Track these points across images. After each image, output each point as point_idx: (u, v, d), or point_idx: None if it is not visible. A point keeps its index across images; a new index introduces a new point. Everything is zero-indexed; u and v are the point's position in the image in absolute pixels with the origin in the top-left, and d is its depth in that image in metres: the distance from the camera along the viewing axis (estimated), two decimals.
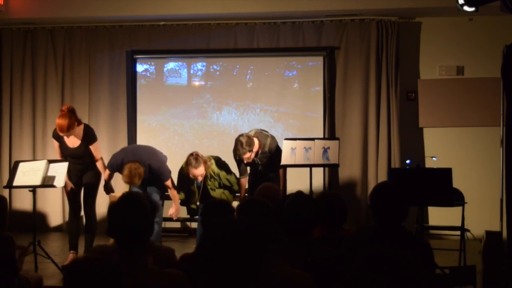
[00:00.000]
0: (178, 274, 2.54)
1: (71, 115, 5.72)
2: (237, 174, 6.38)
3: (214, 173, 6.15)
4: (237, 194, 6.43)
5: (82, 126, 5.93)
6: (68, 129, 5.71)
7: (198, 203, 6.27)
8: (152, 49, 7.90)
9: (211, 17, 7.59)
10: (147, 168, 5.96)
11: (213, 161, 6.19)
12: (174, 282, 2.49)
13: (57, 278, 5.50)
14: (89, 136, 5.94)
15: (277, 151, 6.19)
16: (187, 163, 6.07)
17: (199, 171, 6.04)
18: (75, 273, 2.05)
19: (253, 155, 6.11)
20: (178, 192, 6.31)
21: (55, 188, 6.00)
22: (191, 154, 6.07)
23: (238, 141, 6.09)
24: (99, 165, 6.02)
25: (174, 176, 6.30)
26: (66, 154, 5.97)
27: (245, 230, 1.98)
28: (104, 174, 6.07)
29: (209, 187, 6.19)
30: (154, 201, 2.71)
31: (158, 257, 2.72)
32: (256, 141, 6.15)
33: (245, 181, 6.39)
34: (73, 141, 5.93)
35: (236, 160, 6.33)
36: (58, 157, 6.06)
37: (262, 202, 3.05)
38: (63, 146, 5.96)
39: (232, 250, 1.94)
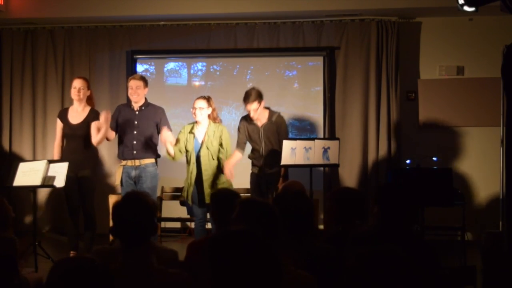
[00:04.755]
0: (183, 274, 2.55)
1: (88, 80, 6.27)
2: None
3: (218, 132, 5.95)
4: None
5: (89, 108, 6.12)
6: (85, 79, 6.17)
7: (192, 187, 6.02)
8: (152, 49, 7.90)
9: (211, 17, 7.59)
10: (151, 107, 6.09)
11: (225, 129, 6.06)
12: (179, 282, 2.50)
13: None
14: (93, 114, 6.08)
15: (283, 129, 6.15)
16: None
17: (201, 103, 5.93)
18: (62, 271, 2.03)
19: (259, 110, 6.04)
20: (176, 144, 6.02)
21: (55, 188, 6.01)
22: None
23: (247, 92, 6.10)
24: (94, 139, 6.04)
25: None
26: (67, 133, 6.08)
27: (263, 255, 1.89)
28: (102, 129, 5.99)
29: (206, 144, 5.91)
30: (153, 200, 2.73)
31: (161, 258, 2.72)
32: (266, 111, 6.16)
33: (238, 155, 6.16)
34: (77, 117, 6.07)
35: (238, 128, 6.27)
36: (57, 140, 6.19)
37: (265, 204, 3.04)
38: (65, 125, 6.09)
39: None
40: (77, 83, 6.10)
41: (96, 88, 7.90)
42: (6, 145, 8.00)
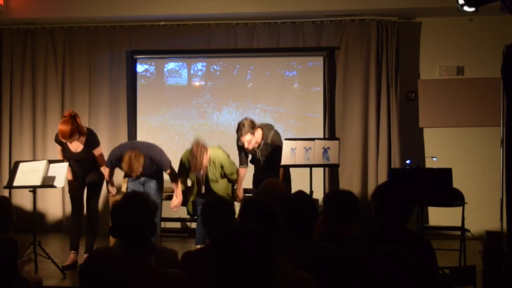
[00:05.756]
0: (182, 275, 2.55)
1: (73, 121, 5.68)
2: (237, 164, 6.36)
3: (215, 162, 6.08)
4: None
5: (84, 136, 5.91)
6: (71, 136, 5.66)
7: (195, 197, 6.25)
8: (152, 49, 7.90)
9: (211, 17, 7.59)
10: (147, 159, 5.88)
11: (221, 150, 6.19)
12: (177, 283, 2.50)
13: (57, 278, 5.50)
14: (91, 141, 5.94)
15: (279, 146, 6.09)
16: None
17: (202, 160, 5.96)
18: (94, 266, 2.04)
19: (254, 140, 6.02)
20: (180, 180, 6.25)
21: (55, 188, 6.00)
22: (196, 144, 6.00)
23: (240, 123, 6.03)
24: (102, 168, 6.02)
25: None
26: (69, 157, 5.97)
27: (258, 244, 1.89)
28: (106, 175, 6.06)
29: (210, 177, 6.12)
30: (153, 201, 2.73)
31: (161, 258, 2.73)
32: (259, 130, 6.09)
33: (244, 171, 6.33)
34: (76, 146, 5.93)
35: (238, 147, 6.28)
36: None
37: (266, 203, 3.04)
38: (66, 150, 5.96)
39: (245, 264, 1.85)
40: (63, 137, 5.67)
41: (96, 88, 7.91)
42: (6, 145, 8.00)
